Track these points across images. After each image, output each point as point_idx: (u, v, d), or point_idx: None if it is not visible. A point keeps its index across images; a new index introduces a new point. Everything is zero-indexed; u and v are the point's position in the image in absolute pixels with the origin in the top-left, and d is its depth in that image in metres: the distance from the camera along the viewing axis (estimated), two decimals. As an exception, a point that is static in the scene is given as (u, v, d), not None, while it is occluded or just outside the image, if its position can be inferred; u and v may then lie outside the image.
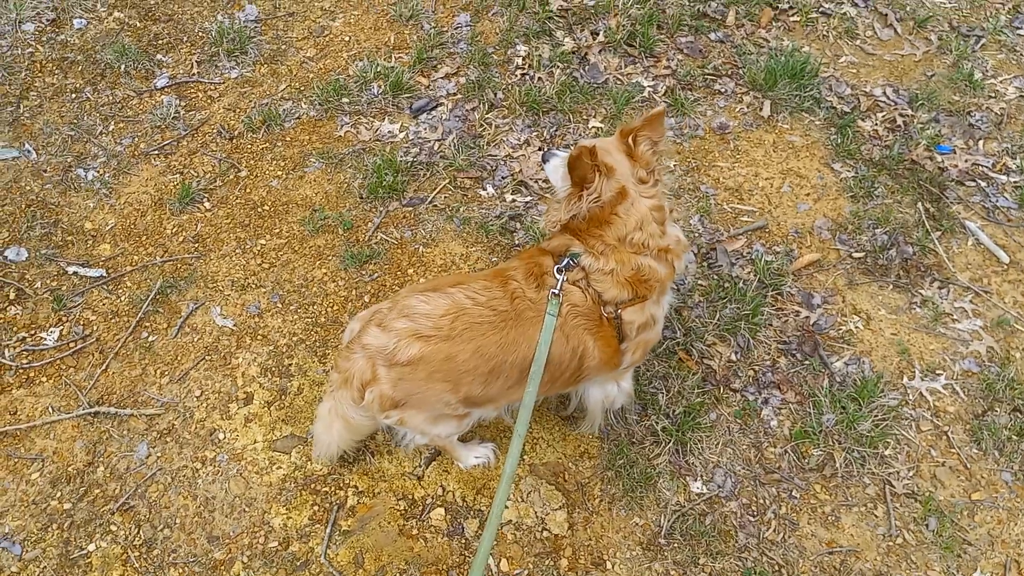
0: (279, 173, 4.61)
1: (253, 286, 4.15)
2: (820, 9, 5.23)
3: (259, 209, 4.45)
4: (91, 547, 3.38)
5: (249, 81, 5.06)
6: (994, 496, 3.43)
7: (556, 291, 2.86)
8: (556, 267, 2.92)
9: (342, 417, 3.11)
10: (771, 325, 3.92)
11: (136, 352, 3.93)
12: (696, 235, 4.23)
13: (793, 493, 3.47)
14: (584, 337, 2.95)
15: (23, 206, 4.43)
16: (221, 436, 3.67)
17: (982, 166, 4.44)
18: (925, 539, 3.34)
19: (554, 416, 3.68)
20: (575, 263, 2.93)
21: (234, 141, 4.77)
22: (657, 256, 2.95)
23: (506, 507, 3.44)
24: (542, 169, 3.41)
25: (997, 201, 4.30)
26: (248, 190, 4.54)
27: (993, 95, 4.76)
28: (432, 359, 2.81)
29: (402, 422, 3.04)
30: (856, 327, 3.90)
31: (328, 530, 3.39)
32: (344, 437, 3.24)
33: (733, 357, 3.83)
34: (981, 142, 4.55)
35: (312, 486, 3.52)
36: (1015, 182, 4.37)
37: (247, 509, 3.47)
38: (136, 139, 4.78)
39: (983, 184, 4.37)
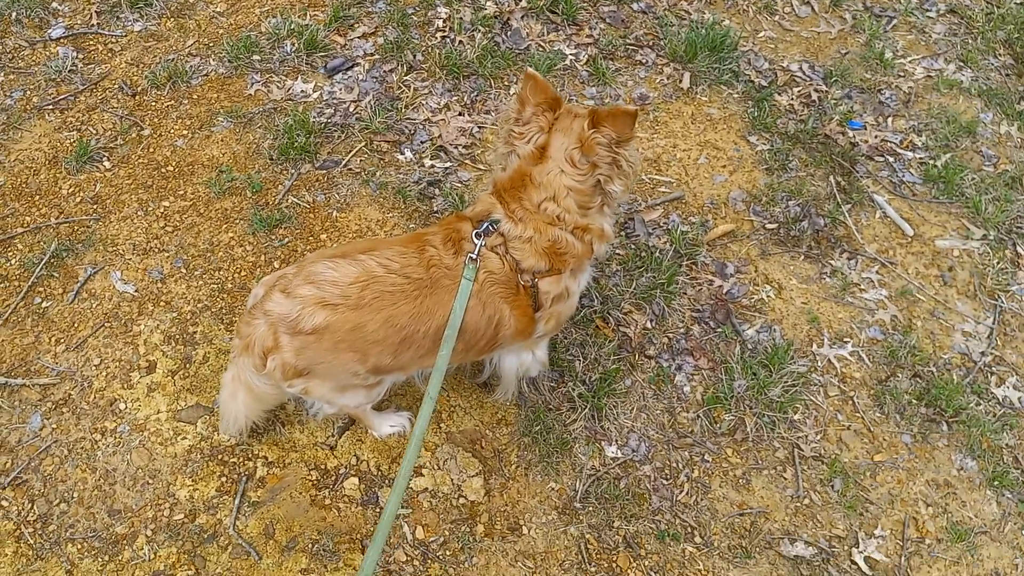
0: (184, 132, 4.40)
1: (156, 250, 3.96)
2: (739, -17, 5.28)
3: (163, 169, 4.25)
4: (-21, 523, 3.20)
5: (154, 35, 4.81)
6: (895, 457, 3.55)
7: (473, 255, 2.81)
8: (475, 232, 2.86)
9: (246, 385, 2.99)
10: (685, 294, 3.95)
11: (28, 319, 3.71)
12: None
13: (705, 457, 3.52)
14: (500, 305, 2.90)
15: (-98, 161, 4.13)
16: (122, 406, 3.50)
17: (890, 142, 4.56)
18: (830, 499, 3.44)
19: (471, 384, 3.63)
20: (494, 229, 2.88)
21: (137, 98, 4.54)
22: (574, 232, 2.92)
23: (422, 475, 3.39)
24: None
25: (903, 176, 4.42)
26: (151, 149, 4.32)
27: (903, 74, 4.89)
28: (338, 328, 2.71)
29: (307, 392, 2.94)
30: (768, 296, 3.97)
31: (237, 501, 3.27)
32: (251, 406, 3.12)
33: (648, 325, 3.85)
34: (890, 119, 4.67)
35: (219, 457, 3.39)
36: (920, 158, 4.50)
37: (151, 481, 3.33)
38: (28, 92, 4.49)
39: (891, 159, 4.49)
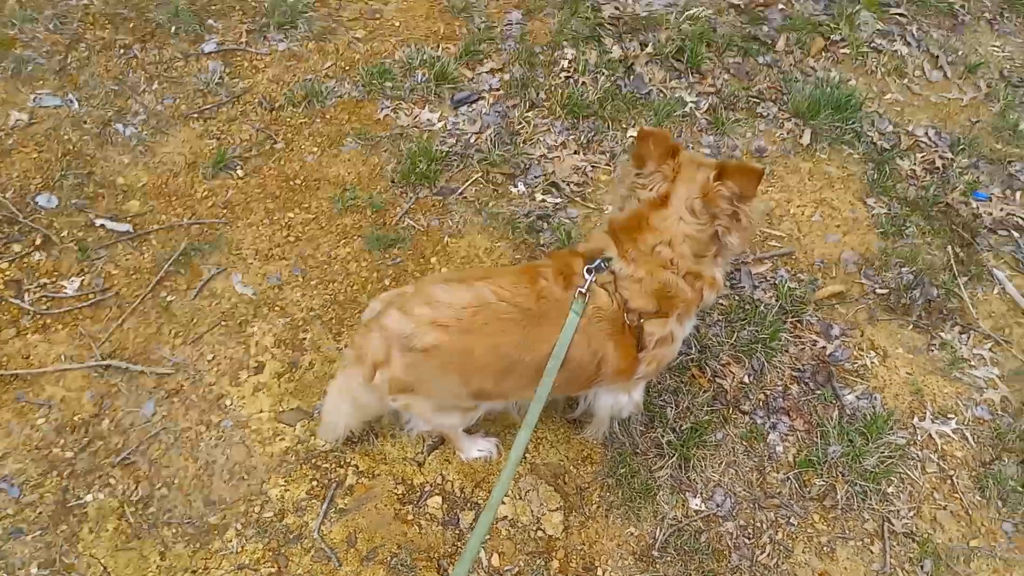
0: (315, 149, 4.64)
1: (276, 257, 4.17)
2: (872, 44, 5.20)
3: (291, 182, 4.48)
4: (88, 497, 3.41)
5: (295, 55, 5.10)
6: (992, 545, 3.39)
7: (583, 290, 2.85)
8: (586, 267, 2.90)
9: (351, 395, 3.12)
10: (787, 351, 3.90)
11: (153, 310, 3.96)
12: (721, 254, 4.21)
13: (791, 520, 3.45)
14: (605, 342, 2.93)
15: (59, 155, 4.48)
16: (228, 402, 3.69)
17: (1017, 217, 4.39)
18: (920, 582, 3.32)
19: (560, 419, 3.67)
20: (606, 266, 2.91)
21: (274, 113, 4.80)
22: (685, 278, 2.93)
23: (503, 503, 3.44)
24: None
25: (1028, 253, 4.26)
26: (282, 162, 4.57)
27: (1036, 147, 4.72)
28: (448, 350, 2.80)
29: (408, 407, 3.04)
30: (872, 362, 3.87)
31: (324, 506, 3.39)
32: (352, 415, 3.25)
33: (746, 379, 3.81)
34: (1019, 193, 4.51)
35: (313, 461, 3.53)
36: (1048, 236, 4.33)
37: (246, 477, 3.49)
38: (177, 100, 4.82)
39: (1016, 235, 4.33)
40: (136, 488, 3.45)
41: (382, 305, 2.96)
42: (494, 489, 2.56)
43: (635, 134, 2.90)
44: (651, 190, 2.92)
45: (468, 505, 3.45)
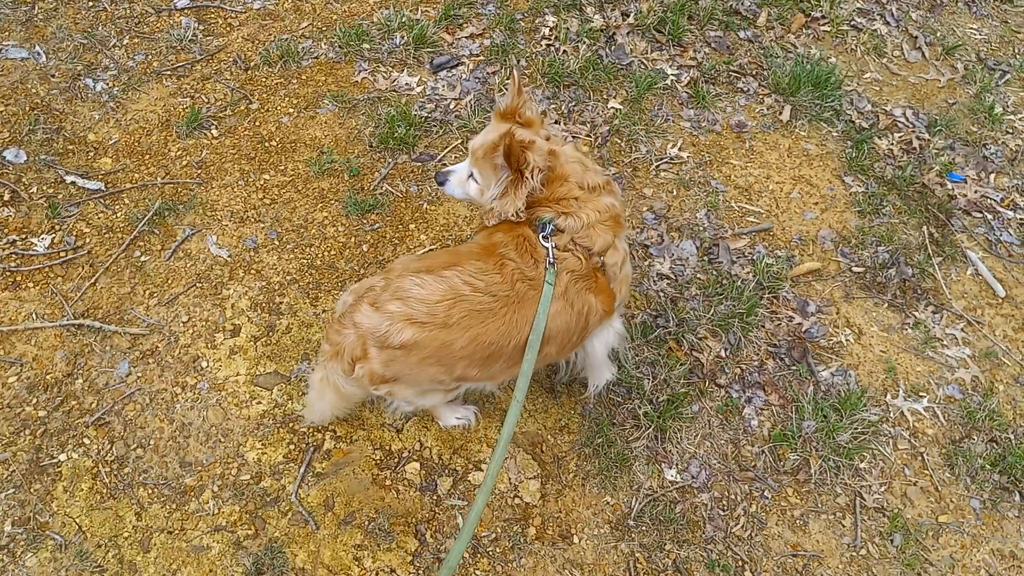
0: (290, 110, 4.55)
1: (252, 220, 4.10)
2: (852, 23, 5.22)
3: (266, 144, 4.40)
4: (62, 457, 3.35)
5: (271, 14, 4.98)
6: (960, 521, 3.48)
7: (551, 260, 2.85)
8: (541, 235, 2.90)
9: (334, 386, 3.07)
10: (763, 327, 3.93)
11: (127, 270, 3.88)
12: (701, 228, 4.22)
13: (765, 493, 3.50)
14: (587, 297, 2.95)
15: (27, 108, 4.35)
16: (204, 364, 3.63)
17: (991, 199, 4.46)
18: (888, 554, 3.38)
19: (539, 388, 3.67)
20: (552, 227, 2.91)
21: (249, 72, 4.70)
22: (606, 190, 3.02)
23: (480, 469, 3.44)
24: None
25: (1001, 235, 4.32)
26: (257, 123, 4.48)
27: (1011, 131, 4.78)
28: (427, 345, 2.77)
29: (391, 394, 3.04)
30: (847, 339, 3.92)
31: (302, 470, 3.37)
32: (336, 404, 3.21)
33: (722, 353, 3.84)
34: (993, 175, 4.57)
35: (290, 425, 3.50)
36: (1021, 219, 4.39)
37: (222, 439, 3.45)
38: (149, 57, 4.69)
39: (989, 217, 4.40)
40: (111, 448, 3.41)
41: (353, 297, 2.92)
42: (488, 469, 2.58)
43: (505, 153, 2.86)
44: (547, 165, 2.92)
45: (446, 471, 3.44)
